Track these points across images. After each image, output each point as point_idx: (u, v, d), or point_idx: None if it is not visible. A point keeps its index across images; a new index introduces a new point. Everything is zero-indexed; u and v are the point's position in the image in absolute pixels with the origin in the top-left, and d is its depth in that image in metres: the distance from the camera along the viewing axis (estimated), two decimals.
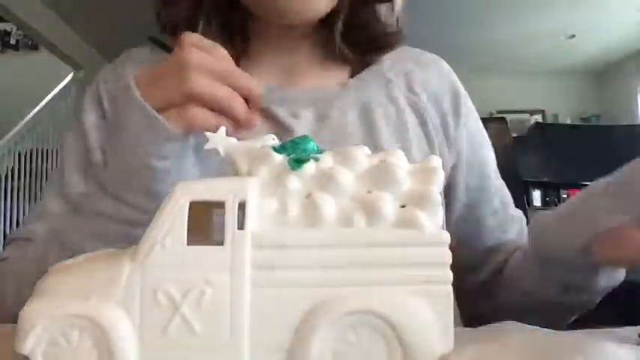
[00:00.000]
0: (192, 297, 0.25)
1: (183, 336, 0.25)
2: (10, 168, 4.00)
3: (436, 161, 0.31)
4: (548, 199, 4.47)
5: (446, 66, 0.68)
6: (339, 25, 0.59)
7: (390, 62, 0.64)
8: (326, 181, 0.28)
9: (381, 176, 0.28)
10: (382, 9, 0.61)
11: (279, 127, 0.57)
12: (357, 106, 0.60)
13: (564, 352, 0.31)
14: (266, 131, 0.54)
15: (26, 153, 4.17)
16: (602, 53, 5.37)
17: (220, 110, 0.42)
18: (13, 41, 5.55)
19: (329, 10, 0.55)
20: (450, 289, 0.27)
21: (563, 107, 5.65)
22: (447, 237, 0.27)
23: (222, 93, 0.41)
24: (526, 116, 5.44)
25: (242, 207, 0.26)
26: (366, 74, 0.63)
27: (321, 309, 0.26)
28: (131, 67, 0.63)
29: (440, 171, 0.30)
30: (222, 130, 0.32)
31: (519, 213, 0.67)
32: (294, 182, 0.28)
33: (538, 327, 0.38)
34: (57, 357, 0.25)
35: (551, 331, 0.37)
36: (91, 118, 0.60)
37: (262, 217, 0.27)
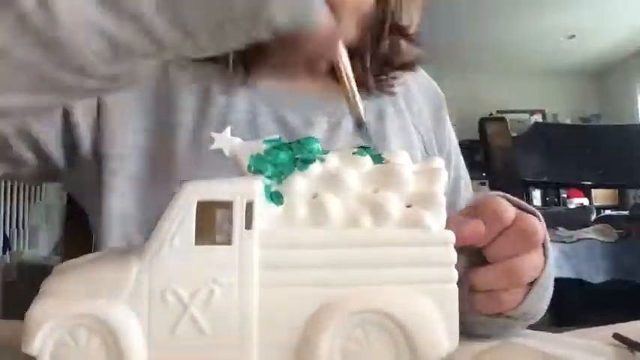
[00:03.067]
0: (201, 297, 0.26)
1: (192, 336, 0.26)
2: None
3: (439, 162, 0.31)
4: (548, 198, 4.48)
5: (434, 85, 0.72)
6: (367, 58, 0.58)
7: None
8: (332, 181, 0.28)
9: (386, 177, 0.28)
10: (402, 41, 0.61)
11: (290, 134, 0.56)
12: (369, 116, 0.59)
13: None
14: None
15: None
16: (602, 53, 5.37)
17: None
18: None
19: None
20: (455, 287, 0.27)
21: (563, 107, 5.64)
22: (451, 237, 0.27)
23: None
24: (526, 116, 5.43)
25: (249, 207, 0.27)
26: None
27: (329, 308, 0.26)
28: None
29: (443, 172, 0.30)
30: (228, 130, 0.32)
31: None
32: (301, 183, 0.28)
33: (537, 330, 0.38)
34: (65, 357, 0.26)
35: (546, 333, 0.37)
36: None
37: (269, 217, 0.27)
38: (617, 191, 3.45)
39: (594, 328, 0.40)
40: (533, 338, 0.35)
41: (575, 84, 5.97)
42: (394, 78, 0.62)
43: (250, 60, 0.56)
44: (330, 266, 0.26)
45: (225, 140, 0.31)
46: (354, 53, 0.56)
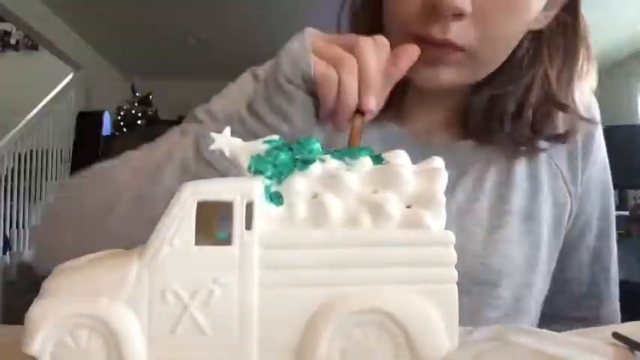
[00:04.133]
0: (201, 297, 0.26)
1: (192, 336, 0.26)
2: (10, 168, 4.00)
3: (439, 162, 0.31)
4: None
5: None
6: (503, 110, 0.54)
7: None
8: (332, 181, 0.28)
9: (386, 177, 0.28)
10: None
11: None
12: (498, 164, 0.56)
13: None
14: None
15: (26, 153, 4.17)
16: (602, 53, 5.37)
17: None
18: (13, 41, 5.54)
19: (462, 82, 0.52)
20: (455, 287, 0.27)
21: None
22: (451, 237, 0.27)
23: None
24: None
25: (249, 207, 0.27)
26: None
27: (329, 308, 0.26)
28: None
29: (443, 172, 0.30)
30: (227, 130, 0.32)
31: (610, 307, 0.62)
32: (301, 183, 0.28)
33: (537, 329, 0.38)
34: (65, 357, 0.26)
35: (548, 332, 0.37)
36: None
37: (269, 217, 0.27)
38: (617, 191, 3.45)
39: (594, 328, 0.40)
40: (533, 338, 0.35)
41: None
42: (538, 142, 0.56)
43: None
44: (329, 266, 0.26)
45: (226, 140, 0.31)
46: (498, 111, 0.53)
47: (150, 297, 0.26)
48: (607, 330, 0.35)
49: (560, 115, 0.55)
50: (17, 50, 5.55)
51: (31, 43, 5.27)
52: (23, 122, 4.19)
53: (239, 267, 0.26)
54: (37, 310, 0.26)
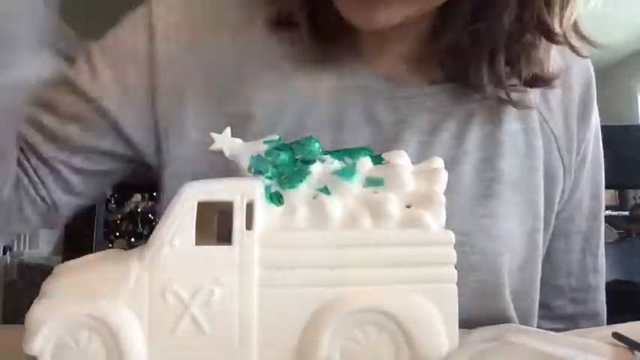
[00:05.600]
0: (201, 297, 0.26)
1: (192, 336, 0.26)
2: None
3: (438, 162, 0.31)
4: None
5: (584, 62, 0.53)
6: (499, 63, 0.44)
7: None
8: (332, 181, 0.28)
9: (386, 177, 0.28)
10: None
11: (381, 136, 0.46)
12: (481, 116, 0.47)
13: None
14: (366, 139, 0.45)
15: None
16: (602, 53, 5.36)
17: None
18: None
19: (410, 17, 0.41)
20: (455, 287, 0.27)
21: None
22: (451, 236, 0.27)
23: None
24: None
25: (249, 207, 0.27)
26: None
27: (329, 308, 0.26)
28: None
29: (443, 172, 0.30)
30: (228, 130, 0.32)
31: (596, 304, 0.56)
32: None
33: (537, 329, 0.38)
34: (65, 357, 0.26)
35: (546, 331, 0.37)
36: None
37: (269, 217, 0.27)
38: (617, 191, 3.45)
39: (594, 328, 0.40)
40: (533, 338, 0.35)
41: None
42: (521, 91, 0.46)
43: (330, 27, 0.44)
44: (329, 266, 0.26)
45: (226, 141, 0.31)
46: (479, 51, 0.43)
47: (150, 297, 0.26)
48: (607, 330, 0.35)
49: (552, 52, 0.46)
50: None
51: None
52: None
53: (239, 267, 0.26)
54: (37, 311, 0.26)
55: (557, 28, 0.43)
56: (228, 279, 0.26)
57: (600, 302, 0.56)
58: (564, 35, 0.44)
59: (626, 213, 2.61)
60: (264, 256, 0.26)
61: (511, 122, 0.48)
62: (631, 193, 3.33)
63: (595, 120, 0.53)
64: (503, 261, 0.46)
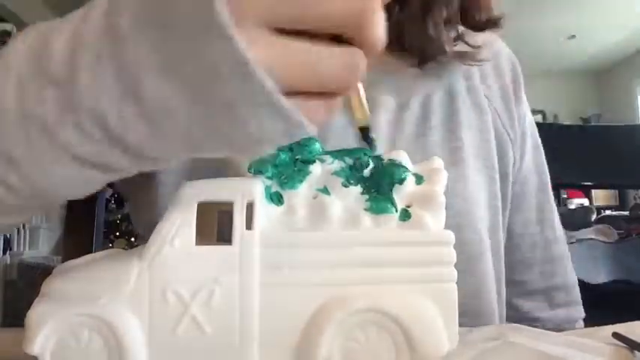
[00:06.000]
0: (202, 297, 0.26)
1: (193, 336, 0.26)
2: None
3: (438, 162, 0.31)
4: None
5: (509, 53, 0.59)
6: (440, 14, 0.48)
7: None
8: (332, 181, 0.28)
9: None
10: None
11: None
12: (439, 94, 0.52)
13: None
14: (340, 119, 0.45)
15: None
16: (602, 53, 5.37)
17: None
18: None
19: None
20: (455, 287, 0.27)
21: (563, 107, 5.64)
22: (451, 237, 0.27)
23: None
24: None
25: (249, 207, 0.27)
26: (441, 57, 0.50)
27: (329, 308, 0.26)
28: None
29: (443, 172, 0.30)
30: None
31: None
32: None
33: (537, 329, 0.38)
34: (66, 357, 0.26)
35: (545, 331, 0.37)
36: None
37: (269, 217, 0.27)
38: (617, 191, 3.45)
39: (594, 328, 0.40)
40: (533, 338, 0.35)
41: (575, 84, 5.96)
42: (475, 45, 0.50)
43: None
44: (330, 266, 0.27)
45: None
46: (422, 8, 0.47)
47: (150, 297, 0.26)
48: (607, 330, 0.35)
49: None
50: None
51: None
52: None
53: (240, 267, 0.26)
54: (37, 311, 0.26)
55: None
56: (229, 279, 0.26)
57: (570, 273, 0.58)
58: None
59: (626, 213, 2.61)
60: (265, 255, 0.26)
61: (465, 100, 0.53)
62: (631, 193, 3.33)
63: (525, 101, 0.58)
64: (481, 220, 0.49)
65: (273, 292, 0.26)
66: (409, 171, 0.29)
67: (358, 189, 0.28)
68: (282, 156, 0.29)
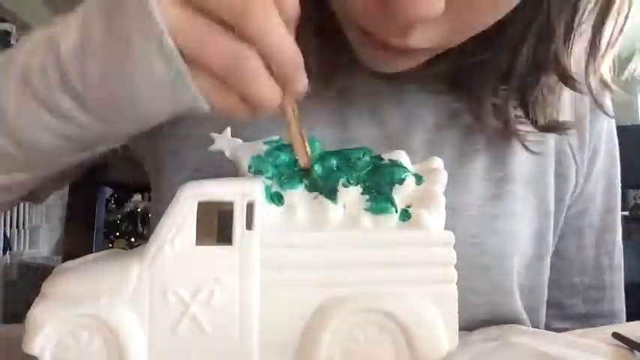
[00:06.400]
0: (202, 297, 0.26)
1: (193, 336, 0.26)
2: None
3: (438, 162, 0.31)
4: None
5: None
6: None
7: None
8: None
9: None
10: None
11: (389, 138, 0.44)
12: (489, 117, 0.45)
13: None
14: (371, 138, 0.43)
15: None
16: None
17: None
18: (13, 41, 5.54)
19: (414, 65, 0.39)
20: (455, 287, 0.27)
21: None
22: (451, 237, 0.27)
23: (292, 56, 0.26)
24: None
25: (249, 207, 0.27)
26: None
27: (329, 308, 0.26)
28: None
29: (443, 172, 0.30)
30: (228, 130, 0.32)
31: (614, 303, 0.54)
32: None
33: (537, 329, 0.38)
34: (66, 357, 0.26)
35: (545, 332, 0.37)
36: None
37: (270, 217, 0.27)
38: None
39: (594, 328, 0.40)
40: (534, 338, 0.35)
41: None
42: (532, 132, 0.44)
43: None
44: (329, 267, 0.27)
45: (226, 141, 0.31)
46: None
47: (151, 297, 0.26)
48: (607, 330, 0.35)
49: (566, 95, 0.43)
50: None
51: None
52: None
53: (240, 267, 0.26)
54: (38, 311, 0.26)
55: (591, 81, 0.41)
56: (229, 279, 0.26)
57: (618, 301, 0.54)
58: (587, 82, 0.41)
59: (626, 213, 2.61)
60: (265, 256, 0.26)
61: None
62: (631, 193, 3.33)
63: (608, 121, 0.52)
64: (514, 262, 0.45)
65: (273, 292, 0.26)
66: (409, 171, 0.29)
67: (358, 189, 0.28)
68: (283, 156, 0.29)
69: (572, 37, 0.40)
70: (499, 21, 0.36)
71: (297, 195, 0.28)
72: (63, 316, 0.26)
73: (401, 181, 0.28)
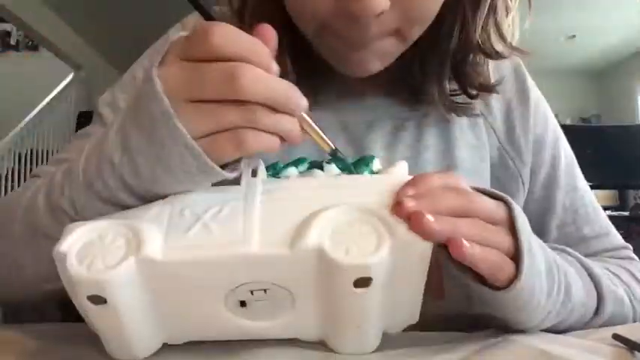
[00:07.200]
0: (212, 212, 0.31)
1: (202, 236, 0.29)
2: (10, 168, 4.00)
3: (403, 165, 0.36)
4: None
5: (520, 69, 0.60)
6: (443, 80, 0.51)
7: None
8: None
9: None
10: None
11: (352, 137, 0.52)
12: (434, 115, 0.53)
13: None
14: (341, 142, 0.49)
15: (26, 153, 4.17)
16: (602, 53, 5.38)
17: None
18: (13, 41, 5.55)
19: (386, 65, 0.47)
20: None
21: (563, 107, 5.65)
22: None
23: (286, 120, 0.31)
24: None
25: (254, 173, 0.34)
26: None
27: (319, 212, 0.30)
28: None
29: (404, 162, 0.36)
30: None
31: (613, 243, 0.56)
32: (292, 170, 0.39)
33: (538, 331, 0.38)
34: (89, 252, 0.29)
35: (549, 332, 0.37)
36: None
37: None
38: (617, 191, 3.45)
39: (594, 329, 0.40)
40: (533, 337, 0.35)
41: (575, 84, 5.97)
42: (468, 102, 0.52)
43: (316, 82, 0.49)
44: (317, 188, 0.33)
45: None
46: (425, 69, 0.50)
47: (170, 214, 0.31)
48: (607, 331, 0.35)
49: (489, 65, 0.51)
50: (18, 50, 5.56)
51: (32, 43, 5.28)
52: (23, 122, 4.20)
53: (245, 195, 0.32)
54: (72, 224, 0.30)
55: (498, 48, 0.50)
56: (236, 201, 0.31)
57: (615, 236, 0.57)
58: (502, 51, 0.51)
59: (626, 213, 2.62)
60: (264, 189, 0.33)
61: (461, 119, 0.54)
62: (631, 193, 3.33)
63: (534, 99, 0.58)
64: None
65: (272, 205, 0.31)
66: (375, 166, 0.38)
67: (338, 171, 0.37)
68: (280, 164, 0.38)
69: (478, 12, 0.48)
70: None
71: (289, 174, 0.37)
72: (92, 225, 0.30)
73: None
